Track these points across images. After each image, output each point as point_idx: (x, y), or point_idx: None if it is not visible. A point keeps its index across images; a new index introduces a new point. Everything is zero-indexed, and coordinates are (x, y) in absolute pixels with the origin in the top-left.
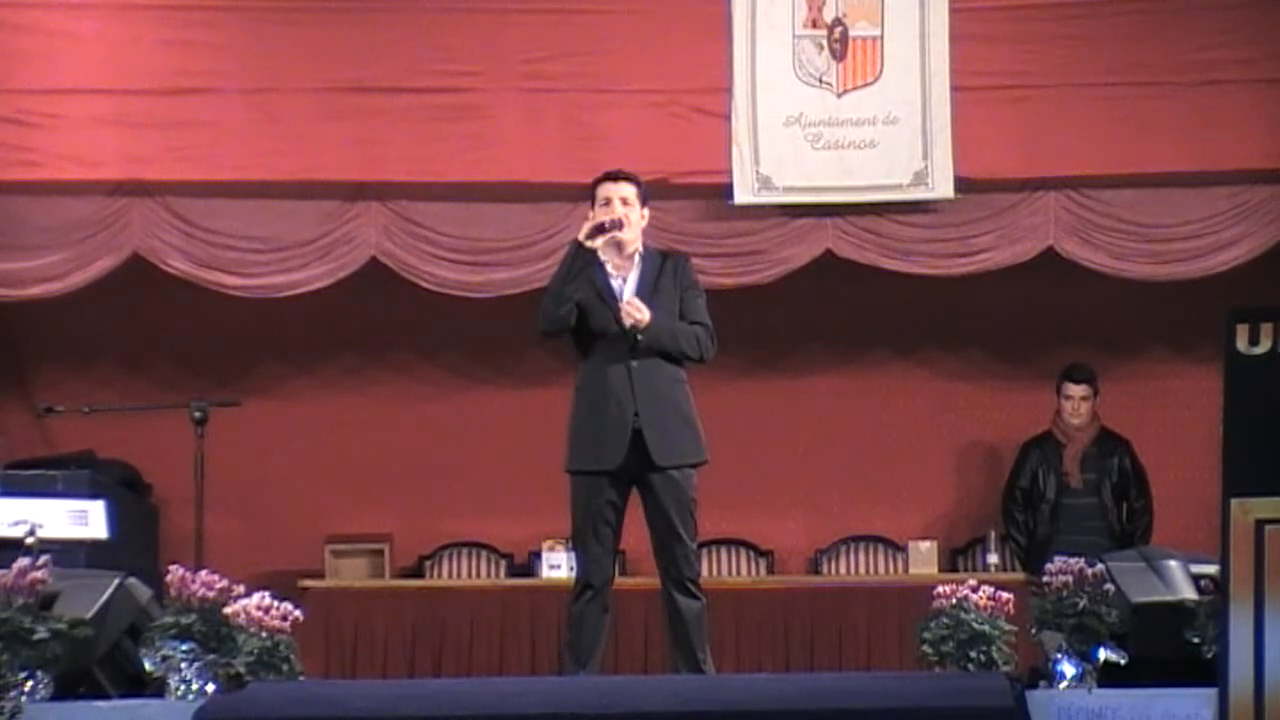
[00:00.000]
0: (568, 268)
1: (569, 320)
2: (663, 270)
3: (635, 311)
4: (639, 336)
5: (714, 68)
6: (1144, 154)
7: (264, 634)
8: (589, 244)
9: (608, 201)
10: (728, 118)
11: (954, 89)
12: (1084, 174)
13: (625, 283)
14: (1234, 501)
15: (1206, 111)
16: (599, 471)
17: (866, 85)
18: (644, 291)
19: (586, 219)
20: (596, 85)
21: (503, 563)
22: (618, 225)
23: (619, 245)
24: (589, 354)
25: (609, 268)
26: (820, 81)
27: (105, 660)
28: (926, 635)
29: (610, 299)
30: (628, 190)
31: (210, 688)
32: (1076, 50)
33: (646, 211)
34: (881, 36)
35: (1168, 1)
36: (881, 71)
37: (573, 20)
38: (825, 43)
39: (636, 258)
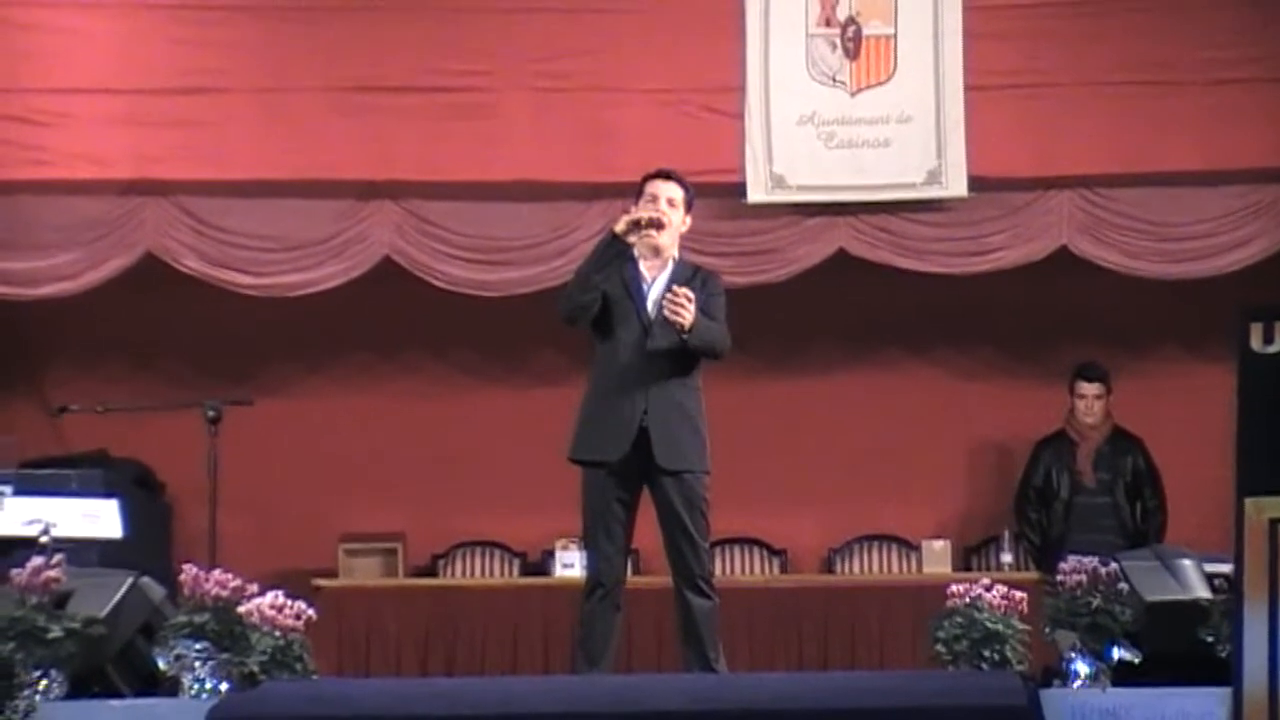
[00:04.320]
0: (598, 257)
1: (592, 309)
2: (692, 280)
3: (683, 309)
4: (685, 337)
5: (727, 66)
6: (1157, 153)
7: (277, 633)
8: (626, 237)
9: (653, 199)
10: (741, 117)
11: (967, 88)
12: (1097, 173)
13: (654, 283)
14: (1248, 500)
15: (1220, 110)
16: (601, 463)
17: (880, 84)
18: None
19: (626, 212)
20: (608, 84)
21: (516, 562)
22: (656, 224)
23: (656, 247)
24: (606, 347)
25: (642, 267)
26: (833, 80)
27: (119, 659)
28: (940, 634)
29: (637, 297)
30: (675, 192)
31: (224, 686)
32: (1090, 49)
33: (689, 218)
34: (895, 35)
35: None
36: (895, 70)
37: (584, 19)
38: (838, 41)
39: (670, 263)
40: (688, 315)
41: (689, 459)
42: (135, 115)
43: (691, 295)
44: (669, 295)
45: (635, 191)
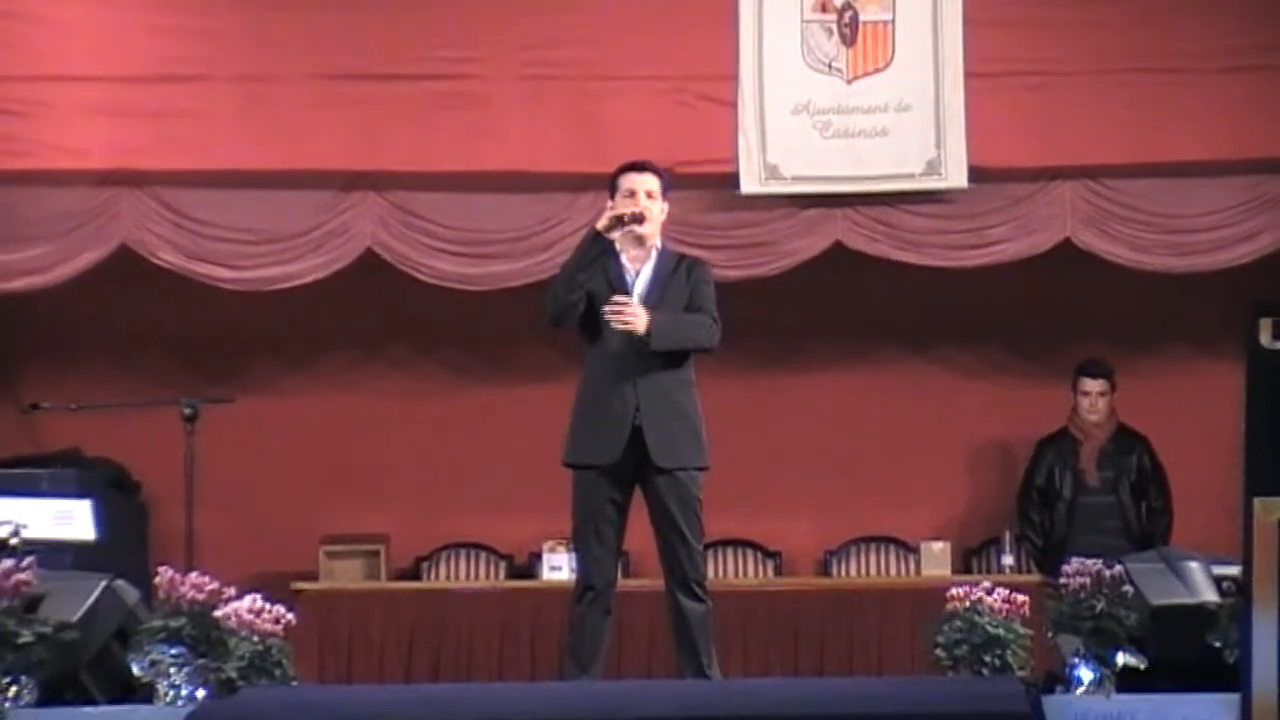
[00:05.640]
0: (582, 255)
1: (578, 309)
2: (677, 270)
3: (628, 318)
4: (649, 342)
5: (720, 54)
6: (1163, 142)
7: (256, 638)
8: (608, 234)
9: (631, 193)
10: (734, 105)
11: (968, 75)
12: (1102, 163)
13: (638, 276)
14: (1256, 501)
15: (1227, 99)
16: (596, 466)
17: (877, 71)
18: (655, 287)
19: (607, 208)
20: (600, 72)
21: (502, 564)
22: (639, 219)
23: (638, 238)
24: (595, 345)
25: (624, 260)
26: (830, 68)
27: (92, 665)
28: (940, 639)
29: (623, 291)
30: (652, 183)
31: (200, 693)
32: (1094, 35)
33: (666, 205)
34: (893, 21)
35: None
36: (893, 57)
37: (576, 5)
38: (835, 28)
39: (653, 252)
40: (636, 320)
41: (685, 455)
42: (113, 104)
43: (629, 300)
44: (607, 308)
45: (609, 185)
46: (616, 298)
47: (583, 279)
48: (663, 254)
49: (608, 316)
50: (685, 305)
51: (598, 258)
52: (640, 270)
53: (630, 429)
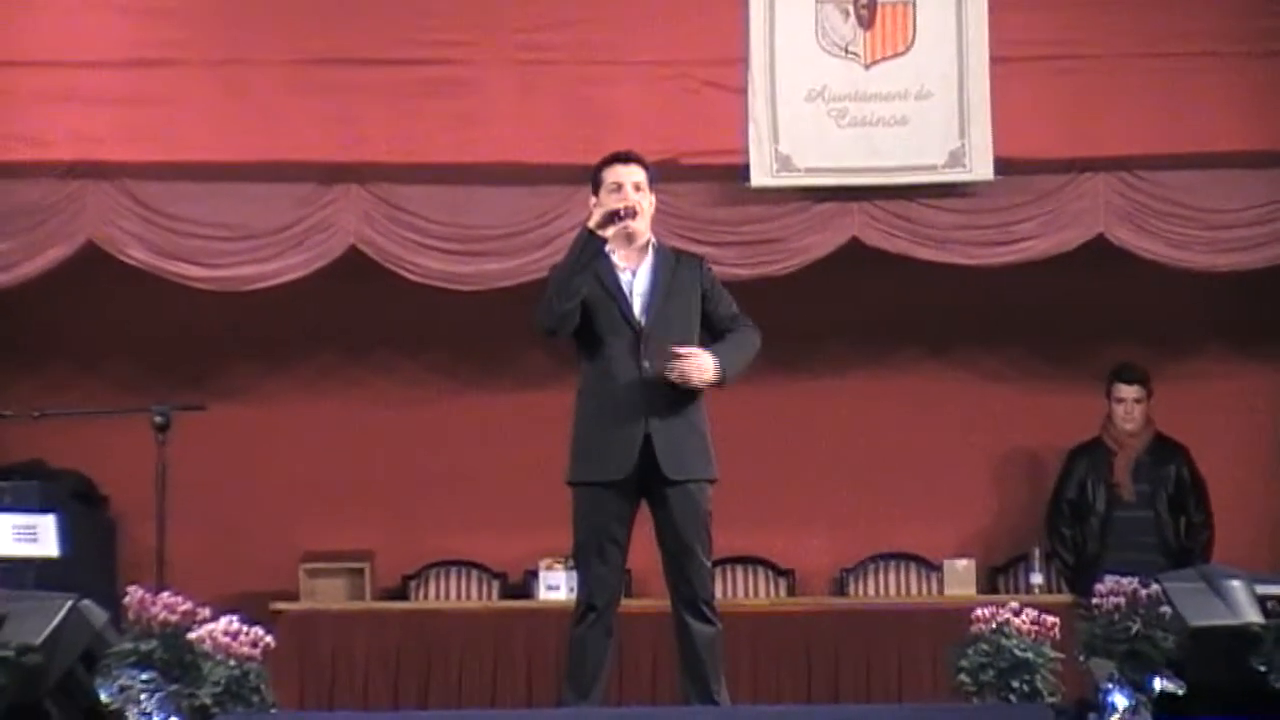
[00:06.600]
0: (576, 258)
1: (574, 317)
2: (677, 269)
3: (695, 372)
4: (723, 384)
5: (729, 37)
6: (1202, 132)
7: (232, 662)
8: (601, 233)
9: (618, 187)
10: (744, 92)
11: (993, 60)
12: (1136, 154)
13: (634, 276)
14: None
15: (1271, 84)
16: (605, 483)
17: (897, 56)
18: (656, 287)
19: (594, 205)
20: (599, 57)
21: (495, 583)
22: (631, 213)
23: (629, 235)
24: (594, 354)
25: (615, 259)
26: (846, 52)
27: (57, 691)
28: (964, 663)
29: (618, 294)
30: (639, 175)
31: None
32: (1127, 17)
33: (654, 197)
34: (913, 2)
35: None
36: (913, 41)
37: None
38: (851, 9)
39: (648, 250)
40: (706, 372)
41: (695, 466)
42: (78, 91)
43: (690, 350)
44: (669, 377)
45: (591, 180)
46: (676, 349)
47: (579, 284)
48: (659, 251)
49: (672, 378)
50: (705, 313)
51: (592, 259)
52: (636, 270)
53: (641, 440)
